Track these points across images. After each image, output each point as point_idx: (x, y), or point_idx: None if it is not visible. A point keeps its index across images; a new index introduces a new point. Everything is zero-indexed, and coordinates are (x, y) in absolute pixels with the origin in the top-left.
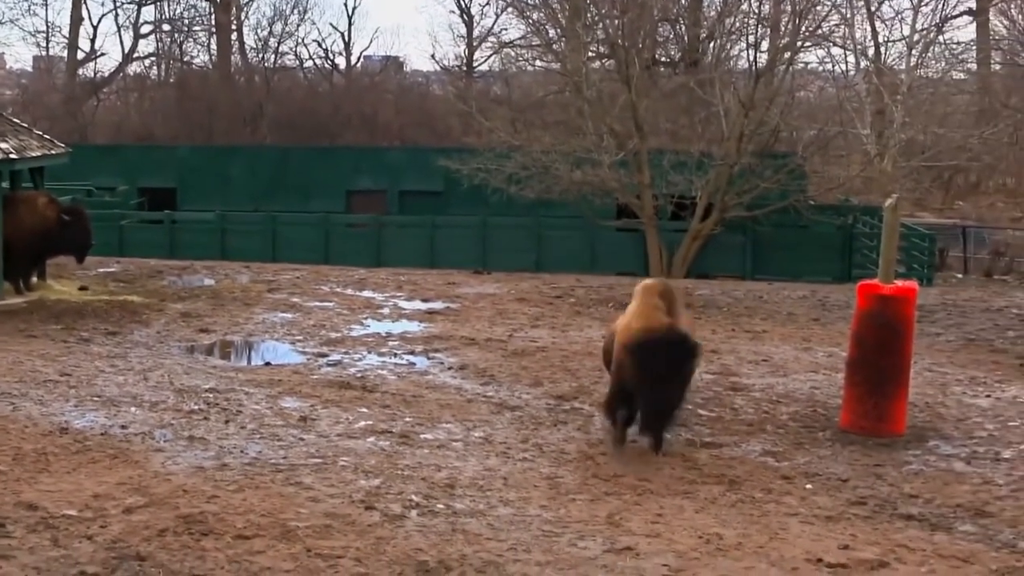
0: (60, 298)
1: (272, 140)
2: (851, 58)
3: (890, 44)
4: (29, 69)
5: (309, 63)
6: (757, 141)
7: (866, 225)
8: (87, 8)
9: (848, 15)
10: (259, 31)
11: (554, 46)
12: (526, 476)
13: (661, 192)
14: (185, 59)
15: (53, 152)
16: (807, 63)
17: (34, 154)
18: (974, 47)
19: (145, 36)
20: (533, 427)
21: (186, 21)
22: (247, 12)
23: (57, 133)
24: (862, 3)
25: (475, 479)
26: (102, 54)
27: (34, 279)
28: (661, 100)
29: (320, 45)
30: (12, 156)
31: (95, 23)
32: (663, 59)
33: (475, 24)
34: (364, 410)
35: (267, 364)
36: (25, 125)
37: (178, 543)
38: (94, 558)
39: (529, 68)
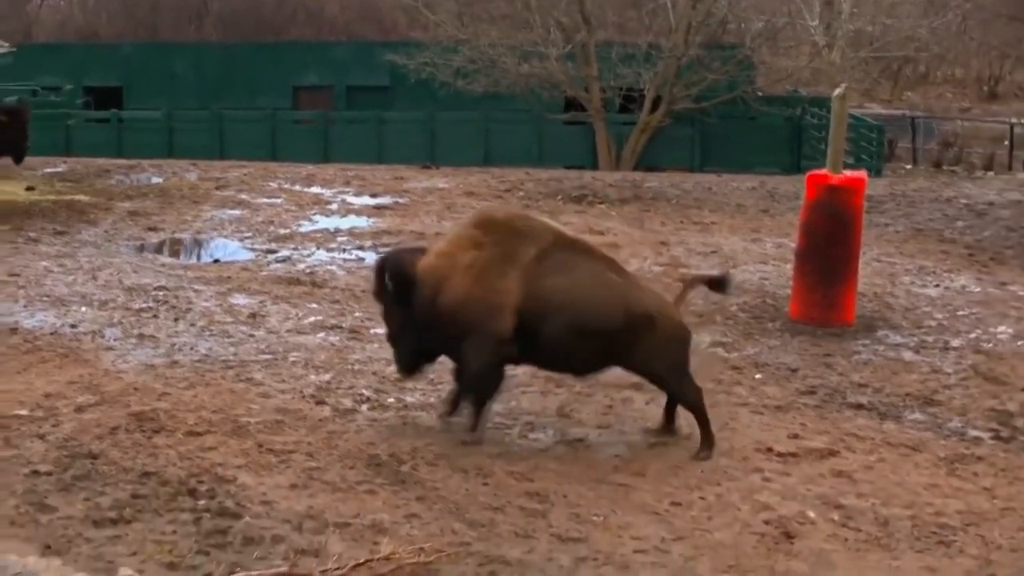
0: (6, 199)
1: (217, 37)
2: None
3: None
4: None
5: None
6: (705, 32)
7: (815, 116)
8: None
9: None
10: None
11: None
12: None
13: (609, 85)
14: None
15: None
16: None
17: None
18: None
19: None
20: None
21: None
22: None
23: (0, 32)
24: None
25: (425, 372)
26: None
27: None
28: None
29: None
30: None
31: None
32: None
33: None
34: (314, 306)
35: (216, 261)
36: None
37: (130, 440)
38: (46, 457)
39: None
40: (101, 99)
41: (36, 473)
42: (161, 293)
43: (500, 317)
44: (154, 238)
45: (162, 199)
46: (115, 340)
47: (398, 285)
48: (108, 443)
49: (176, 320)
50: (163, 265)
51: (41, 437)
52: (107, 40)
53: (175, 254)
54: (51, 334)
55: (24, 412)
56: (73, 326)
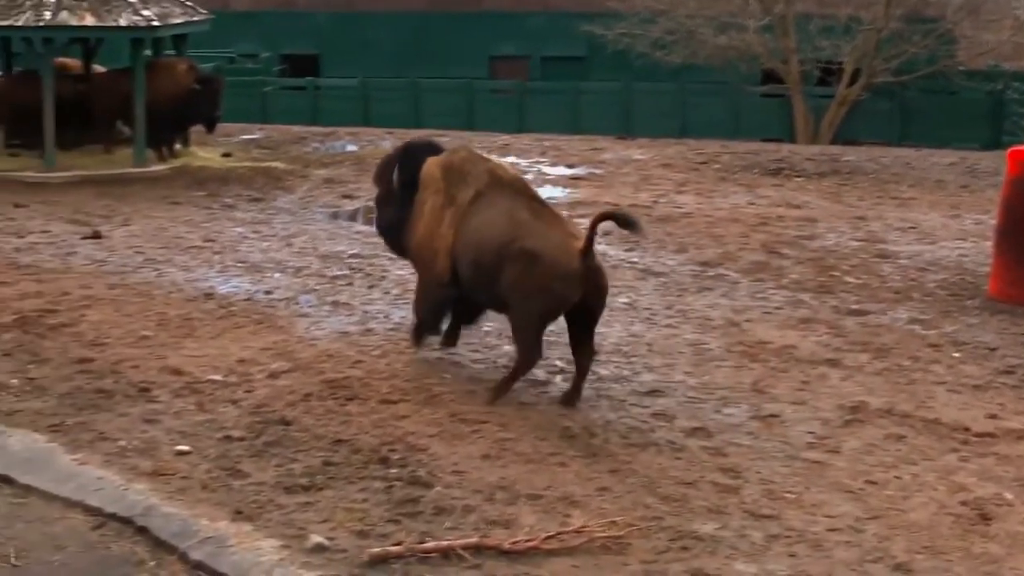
0: (204, 165)
1: (414, 6)
2: None
3: None
4: None
5: None
6: (906, 5)
7: (1016, 91)
8: None
9: None
10: None
11: None
12: (670, 342)
13: (807, 57)
14: None
15: (195, 19)
16: None
17: (176, 21)
18: None
19: None
20: (678, 293)
21: None
22: None
23: (198, 1)
24: None
25: (619, 345)
26: None
27: (178, 146)
28: None
29: None
30: (154, 23)
31: None
32: None
33: None
34: None
35: None
36: None
37: (323, 408)
38: (239, 423)
39: None
40: (297, 67)
41: (229, 439)
42: (355, 261)
43: (438, 261)
44: (349, 206)
45: (357, 167)
46: (309, 307)
47: (402, 183)
48: (301, 410)
49: (370, 288)
50: (358, 233)
51: (234, 403)
52: (304, 8)
53: (369, 222)
54: (246, 300)
55: (218, 377)
56: (268, 292)
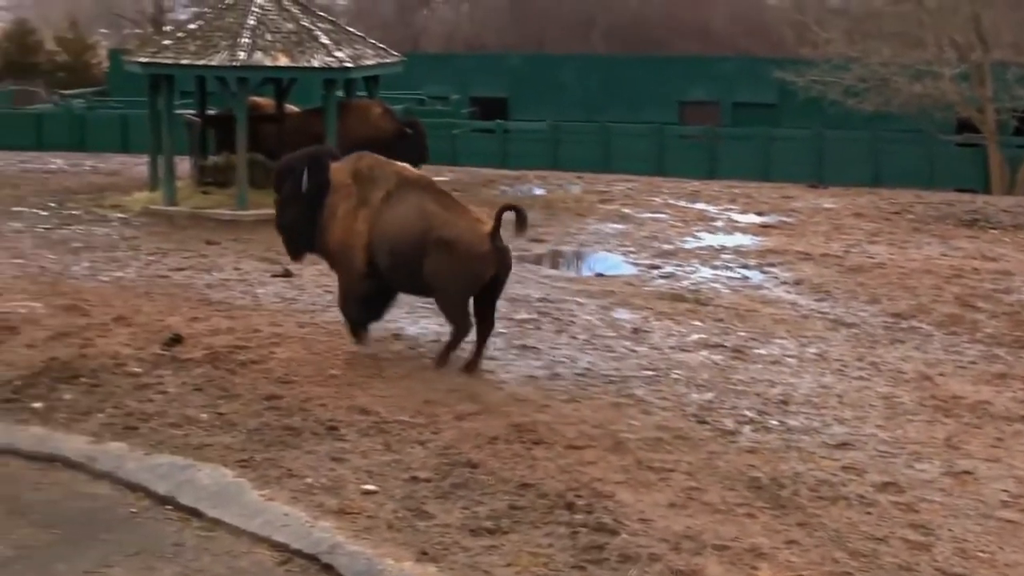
0: None
1: (603, 49)
2: None
3: None
4: None
5: None
6: None
7: None
8: None
9: None
10: None
11: None
12: (862, 395)
13: (1004, 106)
14: None
15: (387, 61)
16: None
17: (368, 63)
18: None
19: None
20: (869, 345)
21: None
22: None
23: (389, 42)
24: None
25: (809, 396)
26: None
27: None
28: (1005, 11)
29: None
30: (347, 64)
31: None
32: None
33: None
34: (697, 323)
35: (599, 275)
36: (360, 34)
37: (509, 451)
38: (426, 463)
39: None
40: (487, 109)
41: (415, 479)
42: (543, 304)
43: (356, 257)
44: (538, 249)
45: (546, 211)
46: (497, 350)
47: (314, 187)
48: (487, 452)
49: (558, 332)
50: (546, 276)
51: (421, 443)
52: (494, 51)
53: (558, 266)
54: (433, 341)
55: (405, 418)
56: None
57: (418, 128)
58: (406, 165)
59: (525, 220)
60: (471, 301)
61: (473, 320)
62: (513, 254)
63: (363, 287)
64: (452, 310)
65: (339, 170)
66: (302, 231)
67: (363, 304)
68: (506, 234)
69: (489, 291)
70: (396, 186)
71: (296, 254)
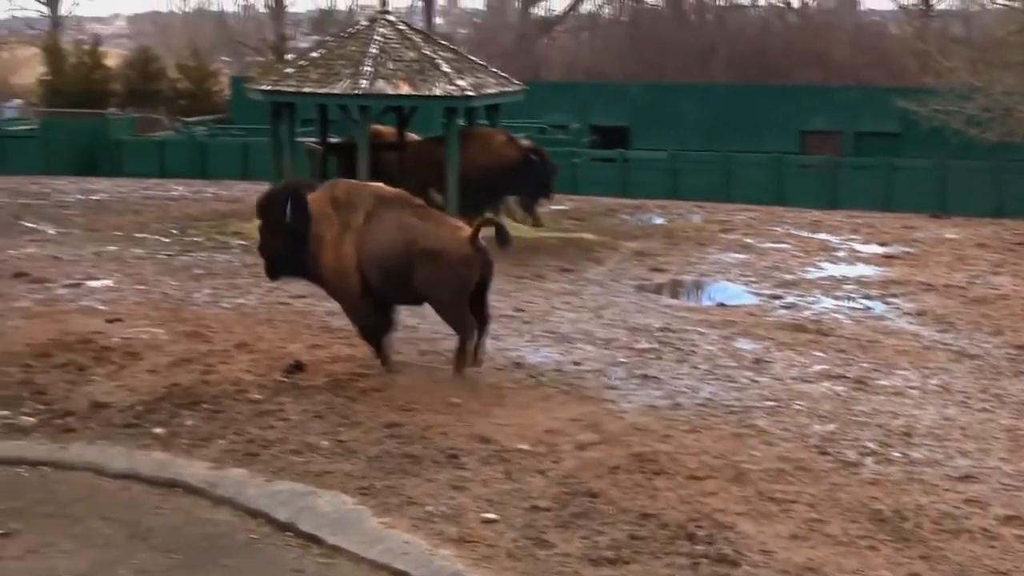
0: (514, 235)
1: (724, 78)
2: None
3: None
4: (482, 8)
5: (762, 1)
6: None
7: None
8: None
9: None
10: None
11: None
12: (985, 427)
13: None
14: None
15: (508, 89)
16: None
17: (490, 91)
18: None
19: None
20: (993, 377)
21: None
22: None
23: (510, 71)
24: None
25: (932, 428)
26: None
27: (489, 215)
28: None
29: None
30: (468, 93)
31: None
32: None
33: None
34: (819, 354)
35: (720, 305)
36: (481, 63)
37: (630, 481)
38: (546, 492)
39: (990, 7)
40: (607, 138)
41: (535, 508)
42: (665, 334)
43: (351, 279)
44: (659, 279)
45: (667, 240)
46: (618, 380)
47: (299, 218)
48: (608, 482)
49: (679, 362)
50: (667, 306)
51: (542, 472)
52: (614, 80)
53: (679, 295)
54: (554, 370)
55: (526, 447)
56: (576, 364)
57: (542, 156)
58: (381, 185)
59: (506, 234)
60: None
61: (472, 321)
62: (633, 283)
63: (364, 306)
64: (450, 314)
65: (318, 200)
66: (286, 259)
67: (373, 318)
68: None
69: (478, 291)
70: (374, 206)
71: (274, 276)
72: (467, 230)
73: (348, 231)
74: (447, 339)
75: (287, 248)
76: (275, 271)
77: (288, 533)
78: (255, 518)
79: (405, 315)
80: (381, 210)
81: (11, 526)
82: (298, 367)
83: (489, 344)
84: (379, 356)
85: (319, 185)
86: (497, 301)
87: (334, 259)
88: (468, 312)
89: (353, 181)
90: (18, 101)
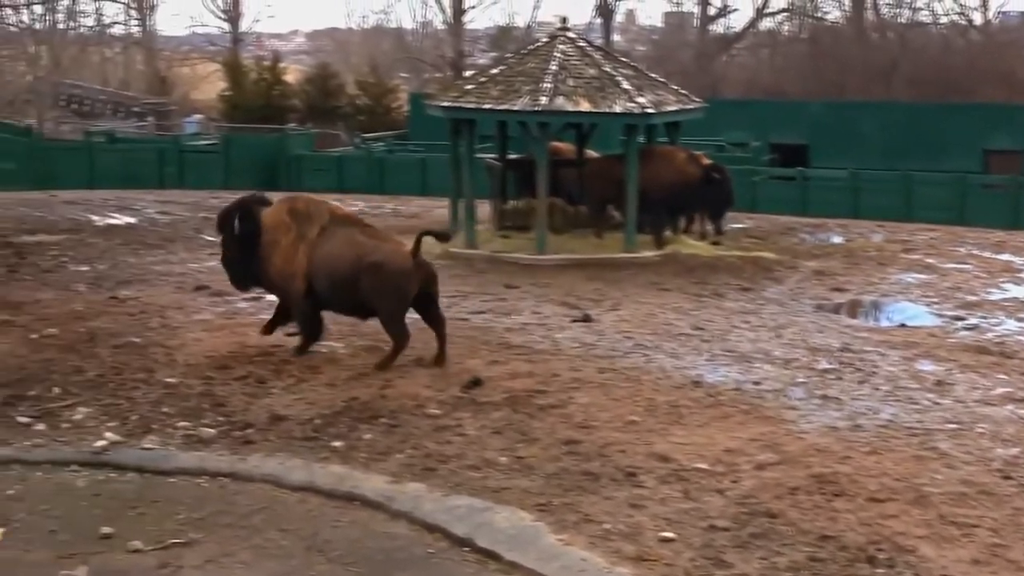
0: (693, 252)
1: (905, 97)
2: None
3: None
4: (660, 25)
5: (944, 19)
6: None
7: None
8: None
9: None
10: None
11: None
12: None
13: None
14: (817, 14)
15: (688, 107)
16: None
17: (670, 108)
18: None
19: None
20: None
21: None
22: None
23: (688, 88)
24: None
25: None
26: (734, 9)
27: (668, 233)
28: None
29: (955, 1)
30: (648, 110)
31: None
32: None
33: None
34: (1002, 376)
35: (901, 325)
36: (661, 80)
37: (809, 502)
38: (724, 512)
39: None
40: (787, 156)
41: (713, 528)
42: (845, 355)
43: (295, 282)
44: (839, 298)
45: (847, 259)
46: (798, 400)
47: (245, 232)
48: (787, 503)
49: (860, 383)
50: (847, 326)
51: (720, 492)
52: (794, 97)
53: (859, 316)
54: (734, 390)
55: (704, 466)
56: (756, 383)
57: (724, 174)
58: (337, 204)
59: (446, 238)
60: (414, 312)
61: (409, 332)
62: (813, 302)
63: (306, 305)
64: (391, 324)
65: (275, 211)
66: (238, 267)
67: (314, 317)
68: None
69: (425, 300)
70: (329, 222)
71: (241, 286)
72: (408, 246)
73: (303, 241)
74: (626, 357)
75: (240, 257)
76: (237, 279)
77: (465, 548)
78: (432, 533)
79: (582, 333)
80: (334, 227)
81: (191, 536)
82: (476, 383)
83: (668, 362)
84: (303, 346)
85: (272, 200)
86: (676, 320)
87: (282, 263)
88: (405, 323)
89: (314, 197)
90: (199, 116)
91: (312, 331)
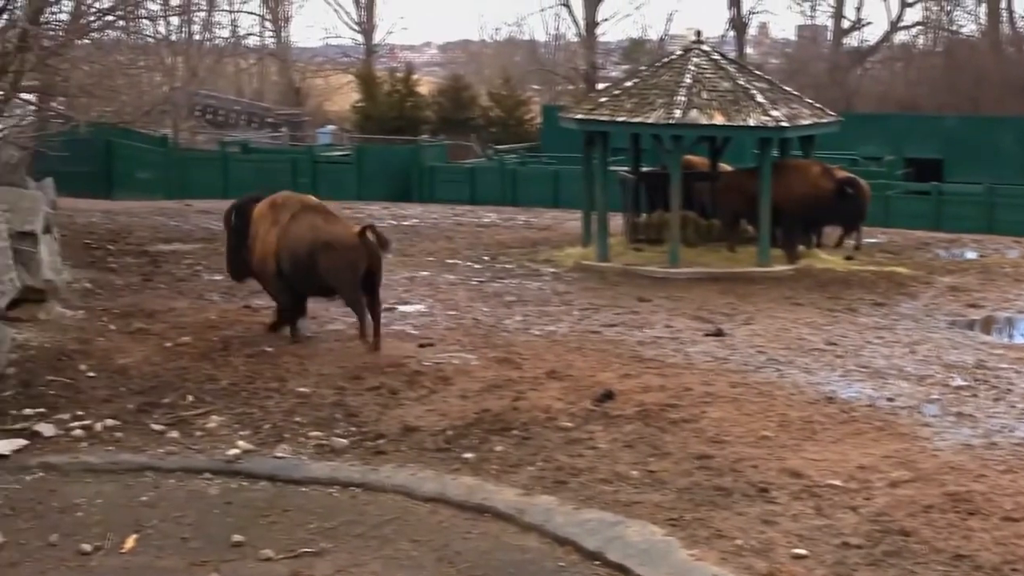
0: (826, 267)
1: None
2: None
3: None
4: (793, 38)
5: None
6: None
7: None
8: None
9: None
10: None
11: None
12: None
13: None
14: (952, 28)
15: (823, 121)
16: None
17: (804, 122)
18: None
19: (911, 4)
20: None
21: None
22: None
23: (822, 101)
24: None
25: None
26: (868, 23)
27: (801, 247)
28: None
29: None
30: (783, 124)
31: None
32: None
33: None
34: None
35: None
36: (795, 93)
37: (943, 521)
38: (857, 530)
39: None
40: (921, 171)
41: (846, 545)
42: (980, 372)
43: (269, 263)
44: (974, 315)
45: (983, 275)
46: (932, 417)
47: (239, 223)
48: (921, 521)
49: (995, 400)
50: (982, 343)
51: (853, 509)
52: (928, 111)
53: (993, 332)
54: (868, 406)
55: (837, 483)
56: (890, 399)
57: (858, 187)
58: (311, 196)
59: (381, 236)
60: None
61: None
62: (947, 319)
63: (279, 286)
64: (347, 295)
65: (262, 205)
66: (234, 257)
67: (288, 294)
68: None
69: (369, 282)
70: (299, 210)
71: (237, 276)
72: (357, 228)
73: (275, 227)
74: (759, 371)
75: (235, 248)
76: (233, 269)
77: (596, 562)
78: (563, 546)
79: (714, 347)
80: (302, 214)
81: (322, 545)
82: (608, 396)
83: (801, 377)
84: (282, 327)
85: (263, 198)
86: (809, 335)
87: (260, 248)
88: (361, 294)
89: (293, 192)
90: (332, 127)
91: (286, 309)
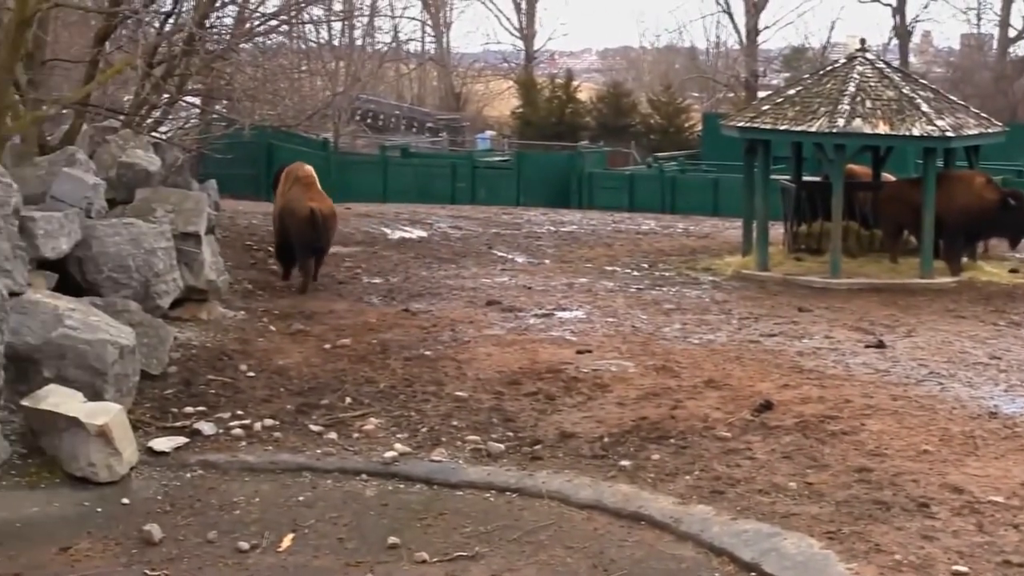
0: (990, 280)
1: None
2: None
3: None
4: (956, 47)
5: None
6: None
7: None
8: None
9: None
10: None
11: None
12: None
13: None
14: None
15: (989, 131)
16: None
17: (970, 132)
18: None
19: None
20: None
21: None
22: None
23: (987, 112)
24: None
25: None
26: None
27: (964, 259)
28: None
29: None
30: (948, 134)
31: None
32: None
33: None
34: None
35: None
36: (961, 103)
37: None
38: (1019, 548)
39: None
40: None
41: (1008, 563)
42: None
43: (275, 224)
44: None
45: None
46: None
47: (274, 182)
48: None
49: None
50: None
51: (1015, 527)
52: None
53: None
54: None
55: (1000, 499)
56: None
57: (1021, 200)
58: (310, 171)
59: (317, 220)
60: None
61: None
62: None
63: (282, 242)
64: (301, 259)
65: (283, 174)
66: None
67: (288, 253)
68: None
69: (317, 248)
70: (294, 182)
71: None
72: (313, 201)
73: (280, 196)
74: (920, 384)
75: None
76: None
77: (752, 574)
78: (718, 556)
79: (875, 359)
80: (296, 185)
81: (477, 549)
82: (767, 406)
83: (963, 391)
84: (284, 277)
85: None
86: (972, 348)
87: (274, 209)
88: (309, 259)
89: (305, 165)
90: (491, 133)
91: (285, 264)
